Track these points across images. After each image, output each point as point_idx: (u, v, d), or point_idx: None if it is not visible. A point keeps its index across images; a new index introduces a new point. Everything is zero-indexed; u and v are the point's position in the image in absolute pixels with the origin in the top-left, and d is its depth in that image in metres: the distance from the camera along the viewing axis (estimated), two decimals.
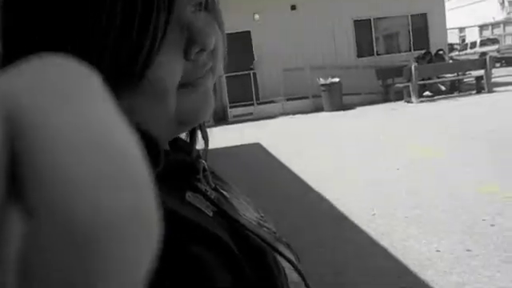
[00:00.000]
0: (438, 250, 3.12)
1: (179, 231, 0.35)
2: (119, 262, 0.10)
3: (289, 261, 0.48)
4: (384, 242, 3.36)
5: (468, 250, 3.06)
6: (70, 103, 0.11)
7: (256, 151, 7.60)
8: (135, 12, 0.35)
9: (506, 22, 31.24)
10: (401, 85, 12.30)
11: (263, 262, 0.41)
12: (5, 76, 0.11)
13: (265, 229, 0.49)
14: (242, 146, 7.63)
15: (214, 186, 0.48)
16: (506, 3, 33.27)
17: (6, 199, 0.10)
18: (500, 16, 32.97)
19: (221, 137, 8.05)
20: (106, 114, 0.11)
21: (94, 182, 0.10)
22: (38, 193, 0.10)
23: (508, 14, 32.81)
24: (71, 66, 0.12)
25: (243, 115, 12.62)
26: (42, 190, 0.10)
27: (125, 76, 0.37)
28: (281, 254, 0.47)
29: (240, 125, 11.37)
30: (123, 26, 0.35)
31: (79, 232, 0.10)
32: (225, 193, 0.50)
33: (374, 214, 3.95)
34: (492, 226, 3.40)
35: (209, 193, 0.44)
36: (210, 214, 0.41)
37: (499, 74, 16.90)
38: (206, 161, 0.51)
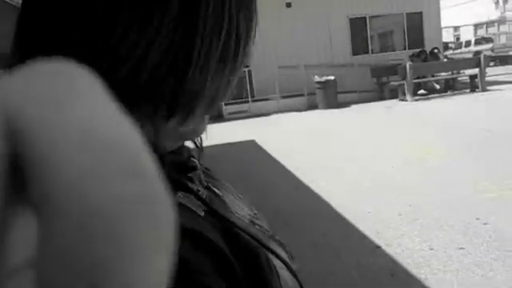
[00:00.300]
0: (431, 248, 3.13)
1: None
2: (134, 253, 0.10)
3: (282, 260, 0.47)
4: (378, 239, 3.37)
5: (461, 248, 3.07)
6: (70, 105, 0.11)
7: (250, 148, 7.59)
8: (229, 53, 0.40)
9: (500, 21, 31.42)
10: (395, 83, 12.34)
11: (255, 263, 0.41)
12: (5, 79, 0.11)
13: (257, 227, 0.49)
14: (236, 143, 7.63)
15: (206, 184, 0.47)
16: (501, 2, 33.42)
17: (11, 202, 0.10)
18: (494, 15, 33.12)
19: (215, 134, 7.99)
20: (106, 111, 0.11)
21: (96, 178, 0.10)
22: (41, 194, 0.10)
23: (502, 13, 32.96)
24: (72, 68, 0.12)
25: (238, 112, 12.60)
26: (44, 192, 0.10)
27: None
28: (273, 253, 0.46)
29: (235, 122, 11.35)
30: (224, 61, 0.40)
31: (93, 221, 0.10)
32: (217, 191, 0.49)
33: (368, 212, 3.96)
34: (485, 224, 3.42)
35: (200, 192, 0.44)
36: (202, 214, 0.41)
37: (493, 72, 16.98)
38: (198, 160, 0.51)
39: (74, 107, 0.11)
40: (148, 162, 0.11)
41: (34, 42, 0.37)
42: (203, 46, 0.38)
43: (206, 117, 0.45)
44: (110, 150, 0.10)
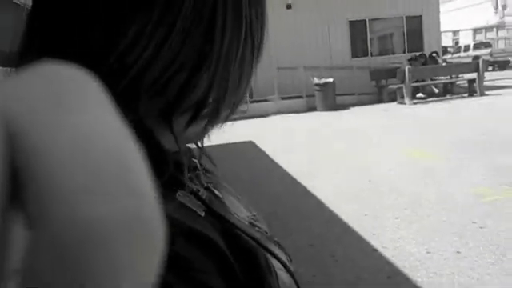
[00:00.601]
0: (428, 252, 3.14)
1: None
2: (118, 272, 0.10)
3: (280, 261, 0.47)
4: (374, 242, 3.37)
5: (458, 252, 3.08)
6: (67, 112, 0.10)
7: (249, 149, 7.60)
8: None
9: (499, 26, 31.51)
10: (394, 86, 12.36)
11: (254, 264, 0.41)
12: (5, 82, 0.11)
13: (256, 228, 0.49)
14: (234, 143, 7.62)
15: (205, 185, 0.47)
16: (500, 7, 33.51)
17: (8, 206, 0.10)
18: (493, 20, 33.22)
19: (213, 134, 7.89)
20: (105, 123, 0.11)
21: (91, 193, 0.10)
22: (34, 203, 0.10)
23: (501, 18, 33.06)
24: (73, 72, 0.12)
25: (237, 113, 12.58)
26: (37, 201, 0.10)
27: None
28: (272, 254, 0.46)
29: (233, 123, 11.32)
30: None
31: (74, 243, 0.10)
32: (217, 192, 0.49)
33: (365, 215, 3.96)
34: (481, 228, 3.43)
35: (200, 192, 0.44)
36: (202, 214, 0.41)
37: (492, 77, 17.04)
38: (199, 160, 0.51)
39: (72, 114, 0.10)
40: (144, 179, 0.11)
41: (41, 44, 0.37)
42: (215, 45, 0.38)
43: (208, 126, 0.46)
44: (105, 165, 0.10)
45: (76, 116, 0.10)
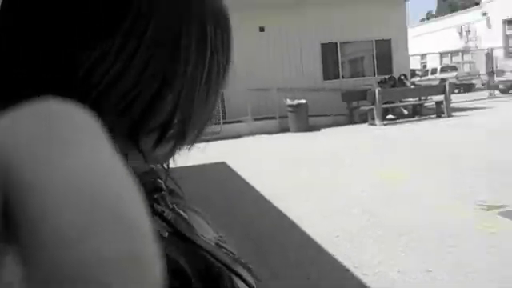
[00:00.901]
0: (399, 271, 3.16)
1: None
2: None
3: (247, 283, 0.47)
4: (347, 262, 3.37)
5: (428, 271, 3.11)
6: (60, 148, 0.10)
7: (221, 170, 7.56)
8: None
9: (464, 51, 32.71)
10: (366, 107, 12.62)
11: (219, 285, 0.41)
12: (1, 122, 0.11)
13: (223, 250, 0.49)
14: (207, 165, 7.57)
15: (171, 206, 0.47)
16: (464, 33, 34.86)
17: (1, 241, 0.10)
18: (459, 45, 34.48)
19: (186, 155, 7.80)
20: (101, 161, 0.11)
21: (84, 232, 0.10)
22: (28, 242, 0.10)
23: (466, 43, 34.38)
24: (63, 108, 0.11)
25: (209, 134, 12.54)
26: (31, 240, 0.10)
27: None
28: (238, 276, 0.46)
29: (206, 144, 11.28)
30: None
31: (68, 283, 0.10)
32: (183, 213, 0.49)
33: (337, 236, 3.97)
34: (451, 246, 3.48)
35: (165, 213, 0.43)
36: (165, 235, 0.40)
37: (458, 99, 17.61)
38: (164, 182, 0.50)
39: (65, 150, 0.10)
40: (140, 216, 0.11)
41: (4, 67, 0.36)
42: (179, 68, 0.38)
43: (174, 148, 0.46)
44: (99, 203, 0.10)
45: (69, 152, 0.10)
